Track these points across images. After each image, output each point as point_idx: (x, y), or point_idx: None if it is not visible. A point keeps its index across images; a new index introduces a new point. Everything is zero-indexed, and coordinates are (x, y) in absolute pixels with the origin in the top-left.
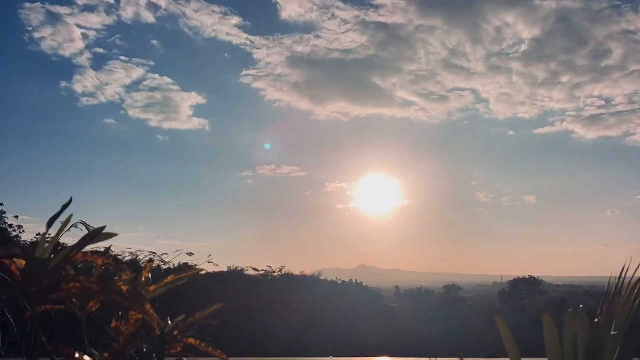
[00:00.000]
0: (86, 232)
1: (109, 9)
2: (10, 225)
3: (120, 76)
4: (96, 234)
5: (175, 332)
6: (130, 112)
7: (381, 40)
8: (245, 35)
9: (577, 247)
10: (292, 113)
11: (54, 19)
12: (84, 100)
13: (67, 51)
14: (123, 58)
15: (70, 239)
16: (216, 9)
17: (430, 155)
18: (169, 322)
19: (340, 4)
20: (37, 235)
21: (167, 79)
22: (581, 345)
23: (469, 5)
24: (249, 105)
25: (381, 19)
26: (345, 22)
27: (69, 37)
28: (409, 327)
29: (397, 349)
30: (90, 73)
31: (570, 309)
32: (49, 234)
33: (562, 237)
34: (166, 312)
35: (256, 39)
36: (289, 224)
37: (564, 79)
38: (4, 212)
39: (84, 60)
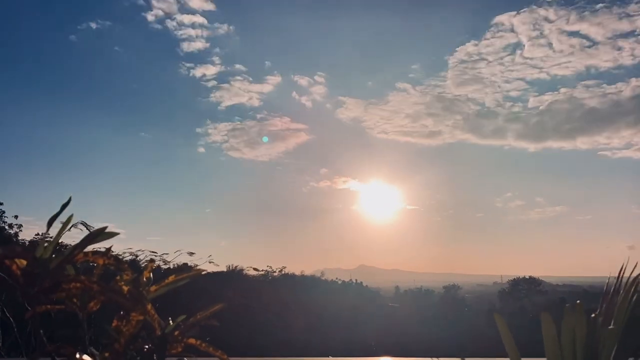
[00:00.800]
0: (87, 232)
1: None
2: (10, 225)
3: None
4: (98, 234)
5: (176, 332)
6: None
7: (430, 100)
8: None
9: (577, 248)
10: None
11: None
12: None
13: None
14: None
15: (70, 239)
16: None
17: (441, 168)
18: (170, 322)
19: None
20: (37, 235)
21: (285, 118)
22: (579, 341)
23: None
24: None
25: (428, 90)
26: (406, 91)
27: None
28: (409, 327)
29: (397, 349)
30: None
31: (567, 305)
32: (49, 234)
33: (562, 238)
34: (167, 312)
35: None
36: (291, 225)
37: (565, 127)
38: (3, 212)
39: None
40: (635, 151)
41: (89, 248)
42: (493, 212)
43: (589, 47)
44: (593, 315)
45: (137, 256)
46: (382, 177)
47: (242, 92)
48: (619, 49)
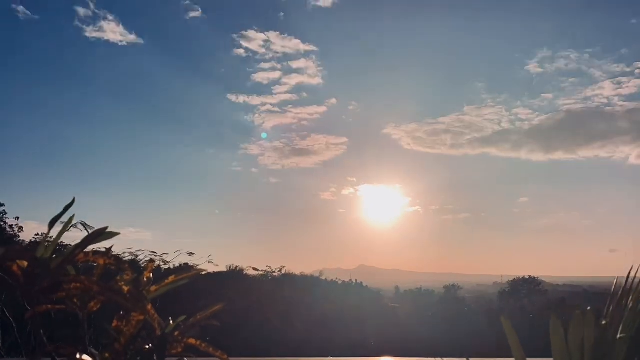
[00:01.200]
0: (86, 233)
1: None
2: (11, 226)
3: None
4: (99, 234)
5: (176, 333)
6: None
7: (450, 120)
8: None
9: (577, 250)
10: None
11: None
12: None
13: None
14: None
15: (72, 240)
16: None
17: (450, 175)
18: (170, 322)
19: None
20: (36, 235)
21: (323, 134)
22: (588, 346)
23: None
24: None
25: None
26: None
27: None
28: (409, 327)
29: (398, 349)
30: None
31: (577, 311)
32: (51, 235)
33: (563, 240)
34: (167, 312)
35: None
36: (297, 227)
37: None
38: (5, 213)
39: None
40: (635, 158)
41: (89, 248)
42: (497, 214)
43: (590, 84)
44: (604, 322)
45: (137, 256)
46: (397, 182)
47: (294, 114)
48: (619, 83)
